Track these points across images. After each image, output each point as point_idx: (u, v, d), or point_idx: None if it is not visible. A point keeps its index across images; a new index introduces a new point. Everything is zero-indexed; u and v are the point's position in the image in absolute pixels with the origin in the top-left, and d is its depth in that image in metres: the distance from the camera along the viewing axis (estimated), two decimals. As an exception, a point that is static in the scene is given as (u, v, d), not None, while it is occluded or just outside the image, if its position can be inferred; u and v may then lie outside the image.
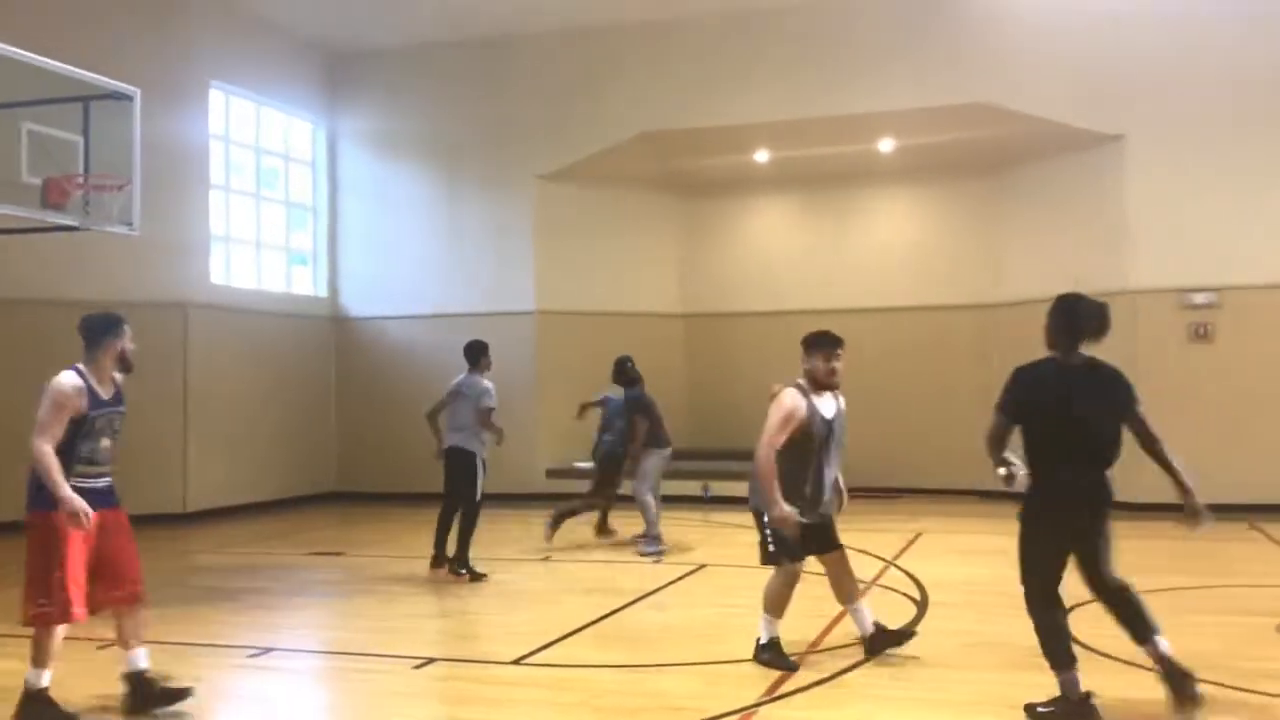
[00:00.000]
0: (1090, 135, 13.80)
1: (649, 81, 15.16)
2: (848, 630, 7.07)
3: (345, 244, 16.93)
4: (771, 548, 6.38)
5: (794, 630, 7.14)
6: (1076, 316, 5.60)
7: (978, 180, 15.83)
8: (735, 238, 17.06)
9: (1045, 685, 5.81)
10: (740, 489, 12.84)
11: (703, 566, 9.91)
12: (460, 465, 9.66)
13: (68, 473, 5.40)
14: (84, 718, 5.52)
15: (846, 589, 6.63)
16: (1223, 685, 5.66)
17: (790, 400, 6.28)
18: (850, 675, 6.01)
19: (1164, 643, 5.22)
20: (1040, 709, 5.25)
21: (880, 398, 15.07)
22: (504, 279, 15.94)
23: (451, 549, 9.58)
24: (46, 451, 5.38)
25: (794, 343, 13.55)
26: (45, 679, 5.52)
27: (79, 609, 5.45)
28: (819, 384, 6.43)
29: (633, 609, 8.04)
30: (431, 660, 6.48)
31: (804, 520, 6.18)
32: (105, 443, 5.66)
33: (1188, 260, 13.36)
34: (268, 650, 6.89)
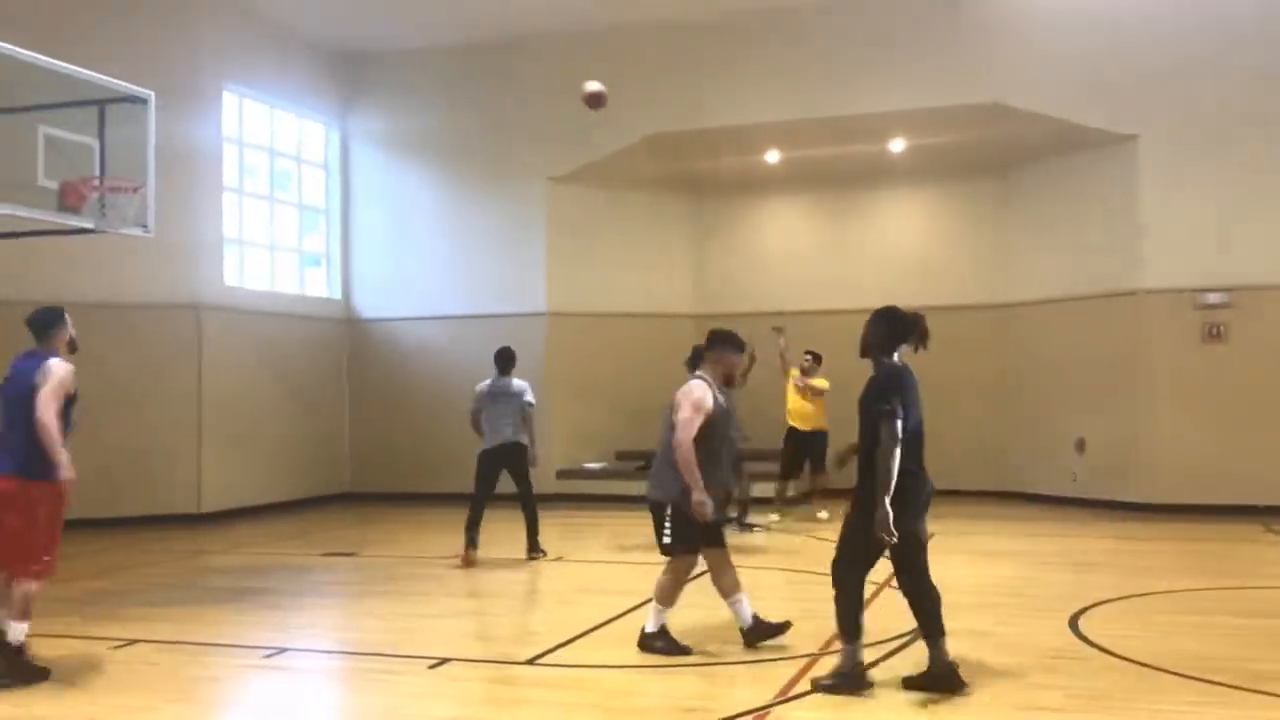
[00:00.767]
0: (1103, 135, 13.78)
1: (660, 82, 15.18)
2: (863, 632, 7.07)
3: (358, 246, 16.99)
4: (667, 539, 6.73)
5: (804, 634, 7.16)
6: (902, 325, 6.06)
7: (989, 180, 15.82)
8: (746, 238, 17.07)
9: (1061, 685, 5.83)
10: (752, 488, 12.83)
11: (714, 567, 9.90)
12: (518, 458, 10.45)
13: None
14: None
15: (727, 582, 6.91)
16: (1236, 687, 5.65)
17: (700, 391, 6.62)
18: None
19: None
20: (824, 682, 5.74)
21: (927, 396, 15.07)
22: (515, 280, 15.98)
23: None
24: (56, 425, 6.08)
25: (805, 342, 13.63)
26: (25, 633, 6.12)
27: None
28: (729, 380, 6.90)
29: (645, 609, 8.04)
30: (446, 660, 6.50)
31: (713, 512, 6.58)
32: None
33: (1200, 260, 13.32)
34: (282, 650, 6.92)
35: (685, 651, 6.51)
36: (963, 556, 10.49)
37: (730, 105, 14.83)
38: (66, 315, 6.68)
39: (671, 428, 6.60)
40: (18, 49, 8.10)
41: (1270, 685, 5.69)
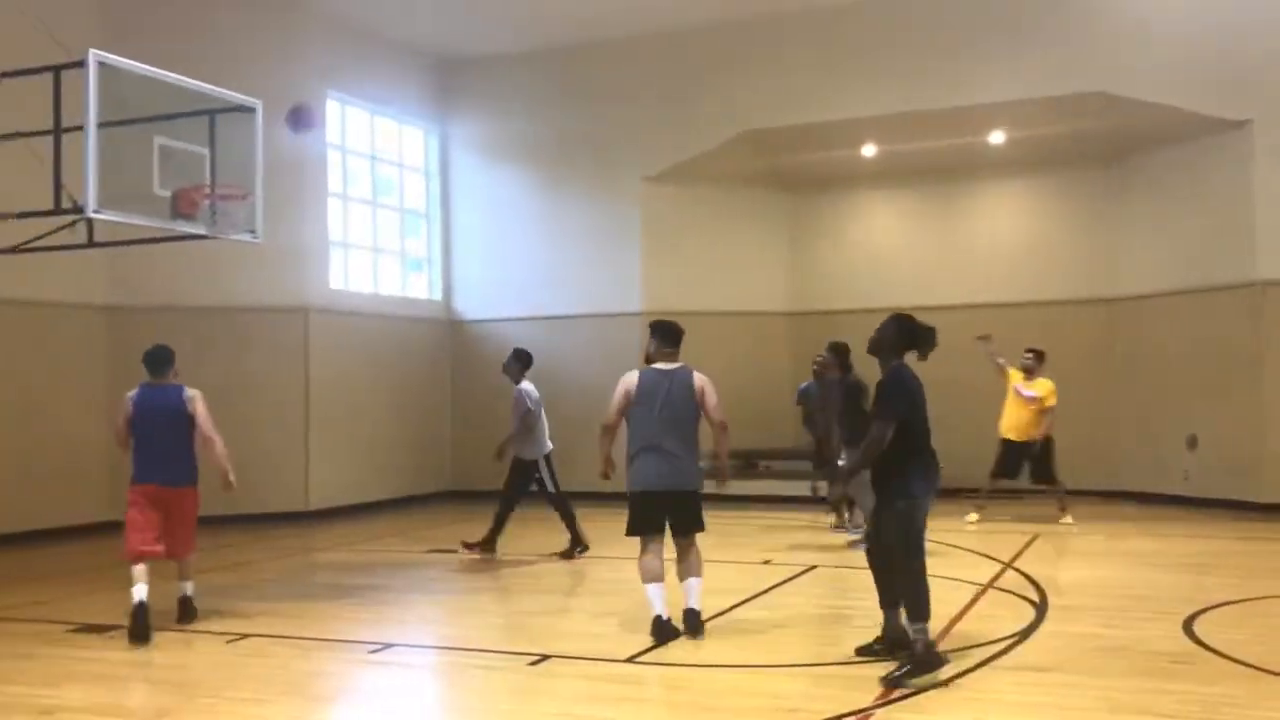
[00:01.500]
0: (1213, 121, 13.32)
1: (753, 79, 15.11)
2: (966, 634, 6.98)
3: (458, 248, 17.25)
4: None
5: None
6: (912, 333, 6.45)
7: (1093, 171, 15.42)
8: (841, 234, 16.90)
9: (1174, 691, 5.68)
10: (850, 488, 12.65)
11: (813, 567, 9.85)
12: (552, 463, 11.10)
13: None
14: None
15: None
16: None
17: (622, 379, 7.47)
18: (966, 679, 5.92)
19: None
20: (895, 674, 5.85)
21: (993, 395, 14.77)
22: (611, 281, 16.06)
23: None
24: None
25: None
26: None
27: None
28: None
29: (744, 608, 8.04)
30: (546, 657, 6.57)
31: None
32: None
33: (1319, 250, 12.81)
34: (387, 646, 7.07)
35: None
36: (1074, 557, 10.26)
37: (826, 99, 14.70)
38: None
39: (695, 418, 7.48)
40: (135, 63, 8.40)
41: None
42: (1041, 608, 7.76)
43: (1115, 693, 5.61)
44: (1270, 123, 13.01)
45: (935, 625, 7.15)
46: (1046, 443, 12.65)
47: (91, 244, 9.12)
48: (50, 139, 8.28)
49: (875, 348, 6.49)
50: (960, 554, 10.37)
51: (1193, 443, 12.98)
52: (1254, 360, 13.05)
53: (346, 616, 8.16)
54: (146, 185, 8.86)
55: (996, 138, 14.90)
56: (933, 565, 9.15)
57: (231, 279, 13.60)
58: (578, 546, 10.69)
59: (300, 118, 9.88)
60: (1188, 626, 7.04)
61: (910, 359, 6.38)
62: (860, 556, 10.30)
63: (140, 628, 7.15)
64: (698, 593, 7.13)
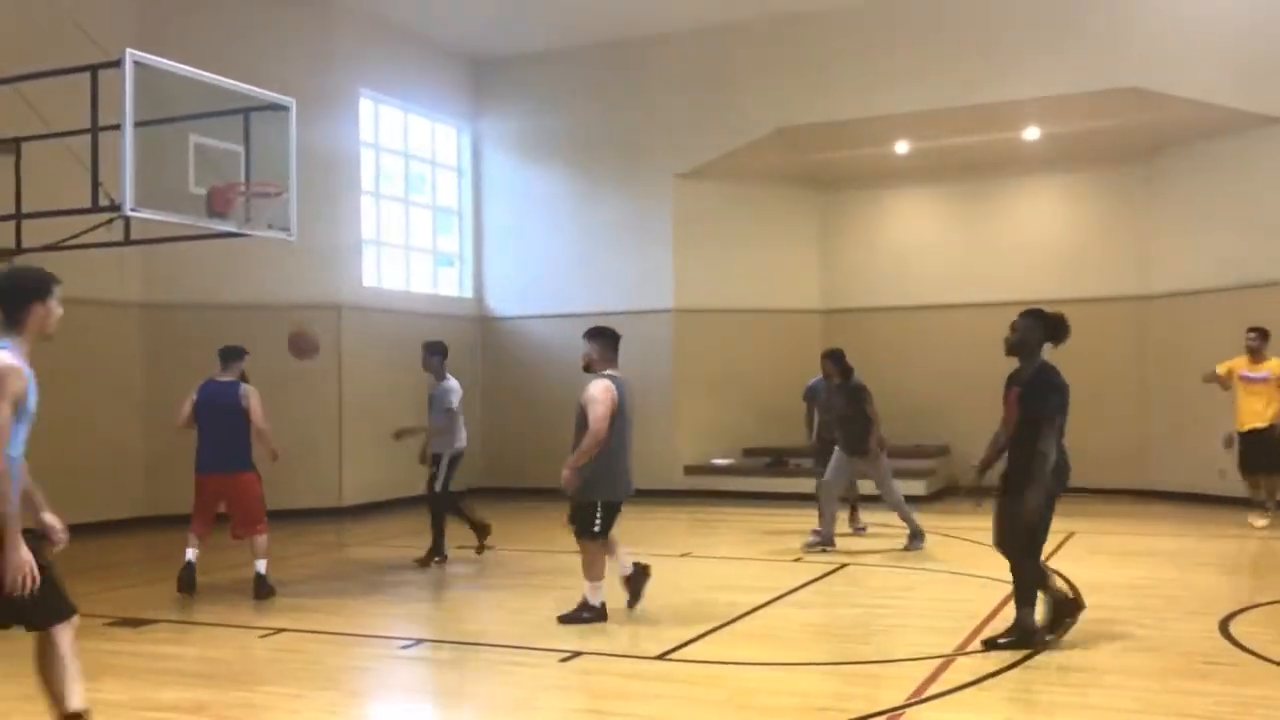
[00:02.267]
0: (1250, 117, 13.16)
1: (785, 76, 15.07)
2: (998, 632, 6.94)
3: (490, 246, 17.32)
4: (598, 527, 7.45)
5: (941, 634, 7.05)
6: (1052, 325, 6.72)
7: (1128, 168, 15.27)
8: (874, 231, 16.82)
9: (1210, 692, 5.63)
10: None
11: (844, 565, 9.82)
12: None
13: None
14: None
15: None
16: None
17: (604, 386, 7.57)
18: (998, 679, 5.89)
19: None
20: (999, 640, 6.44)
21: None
22: (643, 278, 16.07)
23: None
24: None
25: (935, 338, 13.49)
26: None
27: None
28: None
29: (774, 606, 8.03)
30: (577, 654, 6.59)
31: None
32: None
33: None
34: (419, 641, 7.11)
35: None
36: (1107, 557, 10.17)
37: (858, 97, 14.64)
38: (244, 355, 9.37)
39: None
40: (170, 62, 8.48)
41: None
42: (1076, 607, 7.69)
43: (1150, 693, 5.57)
44: (1309, 118, 12.85)
45: (966, 625, 7.16)
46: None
47: (128, 242, 9.23)
48: (88, 138, 8.38)
49: (1018, 347, 6.61)
50: (993, 553, 10.29)
51: (1229, 441, 12.81)
52: (1291, 358, 12.88)
53: (379, 611, 8.22)
54: (182, 183, 8.96)
55: (1030, 134, 14.77)
56: (965, 563, 9.14)
57: (265, 276, 13.71)
58: (436, 555, 10.35)
59: (301, 344, 10.13)
60: (1224, 627, 6.98)
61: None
62: (893, 553, 10.30)
63: (186, 580, 8.63)
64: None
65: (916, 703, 5.49)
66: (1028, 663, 6.22)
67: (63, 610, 4.62)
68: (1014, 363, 6.82)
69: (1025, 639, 6.42)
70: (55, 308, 4.79)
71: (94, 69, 8.36)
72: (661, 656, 6.54)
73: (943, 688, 5.71)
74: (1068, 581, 7.20)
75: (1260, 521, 11.72)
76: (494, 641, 7.27)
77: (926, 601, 8.47)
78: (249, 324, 13.83)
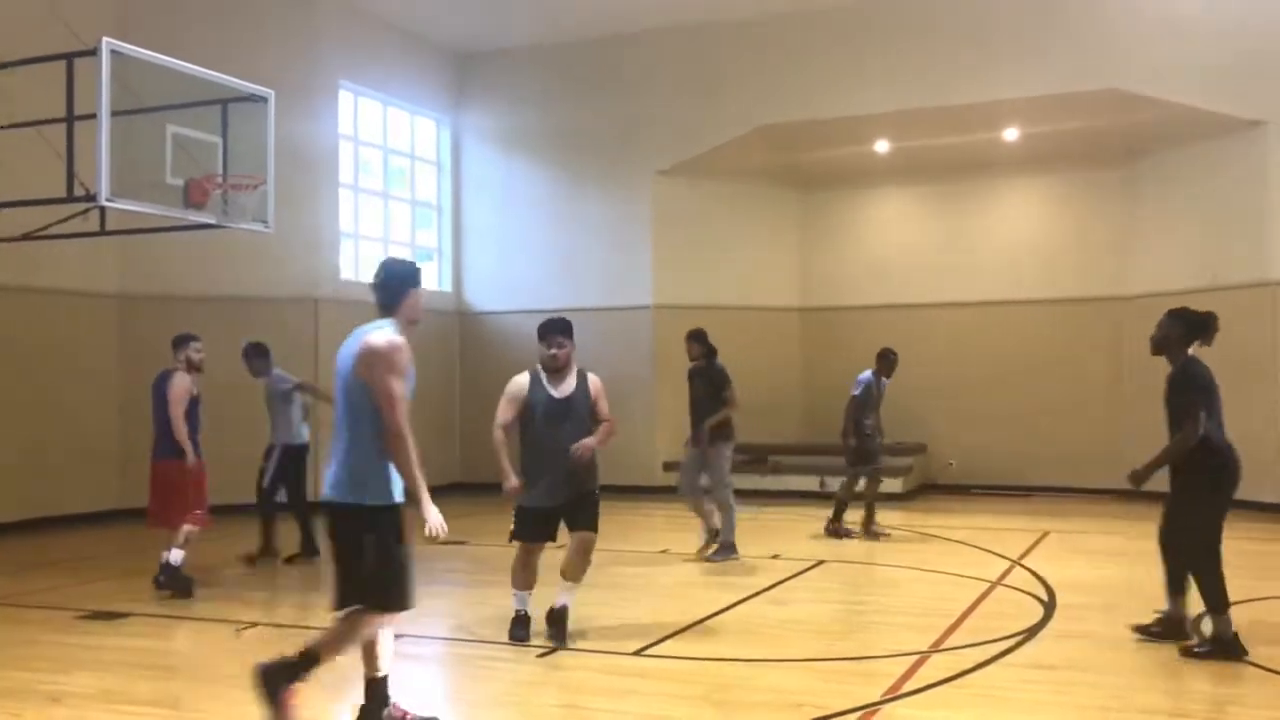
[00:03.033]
0: (1228, 121, 13.25)
1: (767, 74, 15.08)
2: (974, 630, 6.97)
3: (469, 241, 17.26)
4: (512, 527, 7.13)
5: (917, 631, 7.07)
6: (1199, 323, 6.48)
7: (1107, 169, 15.35)
8: (854, 230, 16.87)
9: (1177, 691, 5.66)
10: (859, 484, 12.71)
11: (821, 562, 9.84)
12: None
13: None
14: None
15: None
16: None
17: (515, 381, 7.22)
18: (974, 676, 5.91)
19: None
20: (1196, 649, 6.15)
21: (1005, 393, 14.79)
22: (623, 274, 16.05)
23: None
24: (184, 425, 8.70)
25: (914, 337, 13.59)
26: None
27: None
28: (192, 367, 8.06)
29: (752, 603, 8.04)
30: (554, 650, 6.58)
31: (533, 504, 6.94)
32: None
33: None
34: (396, 637, 7.04)
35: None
36: (1083, 555, 10.23)
37: (839, 96, 14.67)
38: (189, 341, 8.85)
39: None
40: (147, 51, 8.41)
41: None
42: (1050, 606, 7.75)
43: (1123, 691, 5.60)
44: (1285, 122, 12.94)
45: (942, 623, 7.18)
46: None
47: (104, 232, 9.13)
48: (63, 127, 8.30)
49: (1159, 345, 6.52)
50: (969, 550, 10.36)
51: None
52: (1266, 361, 12.99)
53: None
54: (159, 174, 8.89)
55: (1010, 134, 14.83)
56: (941, 561, 9.19)
57: (242, 268, 13.62)
58: (265, 555, 10.17)
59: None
60: (1197, 627, 7.01)
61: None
62: (868, 552, 10.33)
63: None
64: None
65: (892, 699, 5.50)
66: (1002, 660, 6.24)
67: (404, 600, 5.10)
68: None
69: (1226, 649, 6.10)
70: (421, 296, 5.39)
71: (70, 57, 8.29)
72: (638, 653, 6.53)
73: (918, 684, 5.73)
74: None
75: None
76: (472, 637, 7.24)
77: (903, 599, 8.50)
78: (225, 316, 13.75)
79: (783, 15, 14.93)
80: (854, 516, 11.38)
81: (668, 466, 15.64)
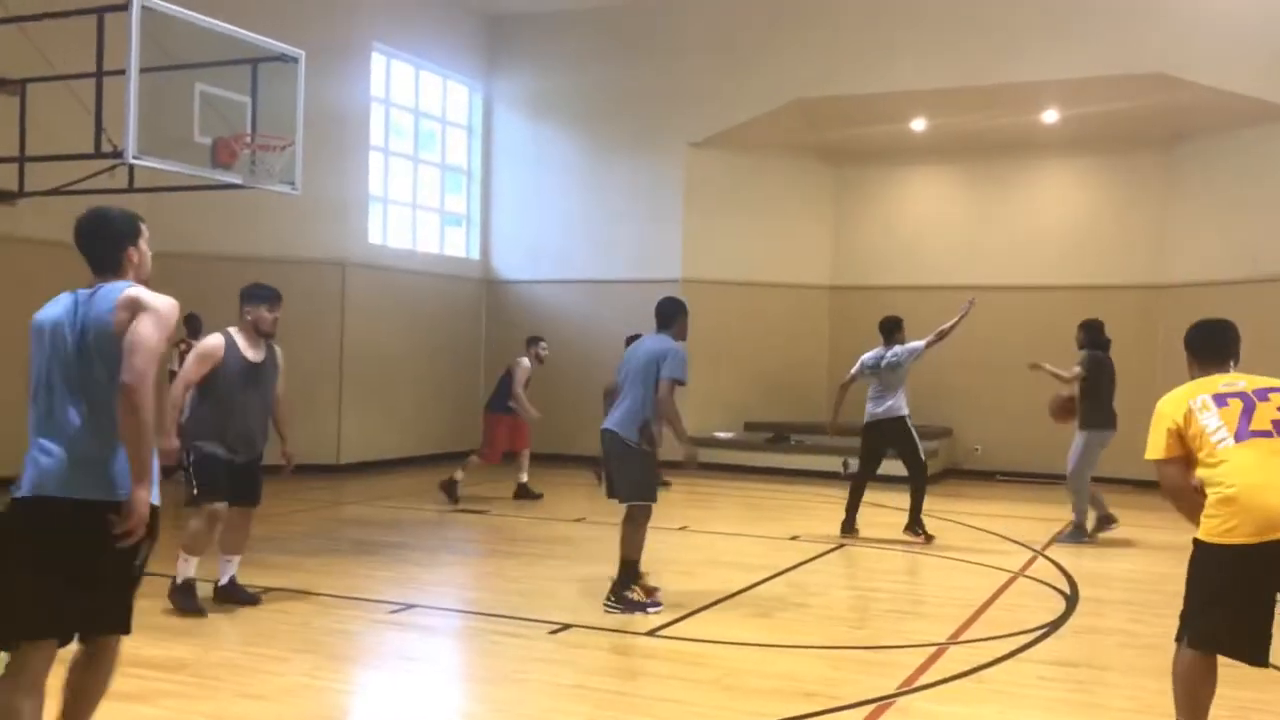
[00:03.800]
0: (1273, 108, 12.94)
1: (804, 47, 14.86)
2: (994, 622, 6.87)
3: (498, 207, 17.16)
4: (195, 490, 6.85)
5: (936, 621, 6.98)
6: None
7: (1148, 154, 15.06)
8: (887, 209, 16.65)
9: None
10: (882, 466, 12.62)
11: (841, 546, 9.75)
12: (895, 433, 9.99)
13: None
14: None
15: (236, 541, 6.95)
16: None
17: (209, 340, 6.89)
18: (992, 670, 5.81)
19: None
20: None
21: (1034, 379, 14.54)
22: (652, 246, 15.92)
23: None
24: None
25: (943, 319, 13.36)
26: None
27: None
28: (261, 332, 7.02)
29: (768, 585, 7.97)
30: (568, 626, 6.53)
31: (221, 456, 6.71)
32: None
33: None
34: (409, 607, 7.05)
35: (201, 612, 6.60)
36: (1109, 549, 10.07)
37: (877, 71, 14.43)
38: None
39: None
40: (178, 8, 8.34)
41: None
42: (1071, 599, 7.63)
43: (1144, 692, 5.48)
44: (1335, 111, 12.63)
45: (961, 613, 7.08)
46: None
47: (131, 189, 9.10)
48: (93, 82, 8.25)
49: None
50: (991, 539, 10.24)
51: None
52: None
53: (370, 574, 8.16)
54: (187, 132, 8.86)
55: (1049, 116, 14.56)
56: (963, 549, 9.07)
57: (271, 230, 13.59)
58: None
59: None
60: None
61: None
62: (890, 535, 10.21)
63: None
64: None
65: (907, 692, 5.41)
66: (1021, 655, 6.14)
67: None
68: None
69: None
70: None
71: (101, 12, 8.22)
72: (652, 633, 6.47)
73: (935, 677, 5.64)
74: None
75: None
76: (485, 610, 7.21)
77: (923, 587, 8.40)
78: (252, 277, 13.68)
79: (822, -12, 14.69)
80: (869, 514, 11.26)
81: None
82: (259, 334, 7.00)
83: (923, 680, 5.59)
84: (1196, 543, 4.20)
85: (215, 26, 8.66)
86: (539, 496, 12.09)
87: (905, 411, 9.96)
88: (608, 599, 6.95)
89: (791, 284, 16.46)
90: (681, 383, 6.95)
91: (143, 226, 4.13)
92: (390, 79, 15.58)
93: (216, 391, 6.75)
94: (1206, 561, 4.15)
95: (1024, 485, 14.40)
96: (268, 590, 7.26)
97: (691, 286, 15.77)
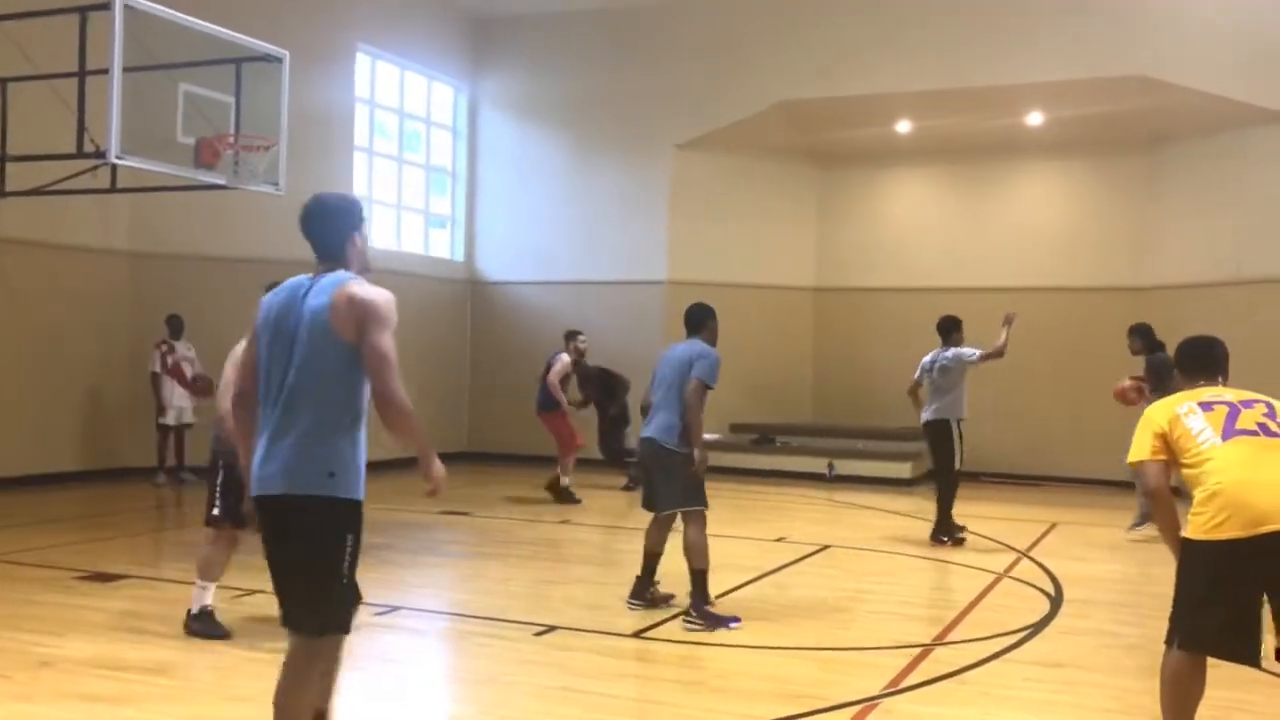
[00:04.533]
0: (1256, 111, 13.03)
1: (789, 49, 14.88)
2: (979, 623, 6.88)
3: (483, 208, 17.13)
4: (215, 510, 6.20)
5: (921, 622, 6.99)
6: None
7: (1130, 156, 15.14)
8: (872, 211, 16.69)
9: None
10: (866, 468, 12.75)
11: (826, 547, 9.75)
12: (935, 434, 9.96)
13: None
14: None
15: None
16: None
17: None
18: (977, 672, 5.82)
19: None
20: None
21: (1018, 381, 14.61)
22: (637, 248, 15.92)
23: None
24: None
25: (928, 321, 13.43)
26: None
27: None
28: None
29: (754, 587, 7.96)
30: (553, 628, 6.51)
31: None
32: None
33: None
34: (394, 609, 7.02)
35: (225, 635, 6.12)
36: (1089, 550, 10.12)
37: (861, 73, 14.47)
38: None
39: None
40: (161, 7, 8.30)
41: None
42: (1056, 601, 7.65)
43: (1128, 693, 5.50)
44: (1315, 115, 12.72)
45: (946, 615, 7.09)
46: None
47: (114, 189, 9.07)
48: (75, 82, 8.20)
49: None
50: (976, 540, 10.25)
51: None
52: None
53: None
54: (170, 132, 8.82)
55: (1033, 119, 14.63)
56: (947, 550, 9.09)
57: (253, 231, 13.49)
58: None
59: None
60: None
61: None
62: (875, 536, 10.22)
63: None
64: None
65: (893, 693, 5.41)
66: (1006, 656, 6.15)
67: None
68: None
69: None
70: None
71: (83, 11, 8.18)
72: (637, 635, 6.46)
73: (920, 679, 5.64)
74: None
75: None
76: (470, 612, 7.18)
77: (908, 588, 8.41)
78: (236, 278, 13.66)
79: (808, -10, 14.71)
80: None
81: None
82: None
83: (908, 681, 5.60)
84: (1185, 542, 4.22)
85: (199, 26, 8.62)
86: (578, 500, 12.02)
87: (952, 415, 9.88)
88: (687, 614, 6.72)
89: (776, 286, 16.47)
90: (710, 386, 6.86)
91: (364, 214, 4.12)
92: (375, 79, 15.53)
93: None
94: (1195, 560, 4.17)
95: (1009, 486, 14.44)
96: (251, 593, 7.21)
97: (676, 288, 15.78)
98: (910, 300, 15.97)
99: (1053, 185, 15.86)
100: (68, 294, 12.72)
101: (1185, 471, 4.25)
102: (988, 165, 15.97)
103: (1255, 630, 4.08)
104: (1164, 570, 7.09)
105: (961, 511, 11.17)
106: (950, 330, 10.18)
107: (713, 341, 7.22)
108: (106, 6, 7.89)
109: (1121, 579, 8.66)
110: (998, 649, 6.24)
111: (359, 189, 15.12)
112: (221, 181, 9.03)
